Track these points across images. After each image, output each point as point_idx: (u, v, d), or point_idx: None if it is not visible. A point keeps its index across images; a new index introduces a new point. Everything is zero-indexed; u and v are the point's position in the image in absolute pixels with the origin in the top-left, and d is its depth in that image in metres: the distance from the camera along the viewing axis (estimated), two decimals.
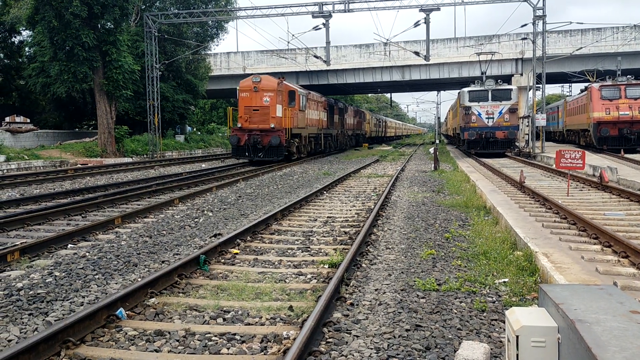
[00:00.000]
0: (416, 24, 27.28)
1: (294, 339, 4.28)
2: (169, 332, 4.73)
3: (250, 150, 24.73)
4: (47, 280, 6.22)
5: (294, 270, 6.78)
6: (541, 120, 27.86)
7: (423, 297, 5.54)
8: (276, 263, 7.20)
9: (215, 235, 8.82)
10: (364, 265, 6.89)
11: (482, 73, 32.38)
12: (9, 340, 4.58)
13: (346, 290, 5.81)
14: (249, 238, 8.54)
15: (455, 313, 5.08)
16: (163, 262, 7.19)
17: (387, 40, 30.70)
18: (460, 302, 5.40)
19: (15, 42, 38.93)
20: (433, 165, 22.41)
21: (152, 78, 30.50)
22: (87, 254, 7.52)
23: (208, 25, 39.67)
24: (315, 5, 27.64)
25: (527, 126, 31.63)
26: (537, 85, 29.82)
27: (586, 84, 32.54)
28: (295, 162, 26.56)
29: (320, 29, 27.87)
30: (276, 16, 28.98)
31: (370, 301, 5.47)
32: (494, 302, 5.39)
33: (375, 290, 5.84)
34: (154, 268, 6.88)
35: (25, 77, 34.88)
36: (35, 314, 5.19)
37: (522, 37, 33.97)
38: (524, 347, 2.92)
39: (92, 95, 30.78)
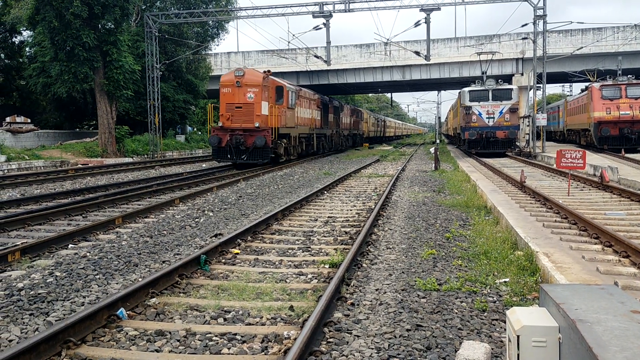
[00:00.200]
0: (417, 24, 27.27)
1: (295, 339, 4.28)
2: (170, 332, 4.73)
3: (233, 151, 22.42)
4: (47, 280, 6.22)
5: (295, 270, 6.78)
6: (542, 120, 27.86)
7: (424, 297, 5.54)
8: (277, 263, 7.20)
9: (215, 235, 8.82)
10: (364, 265, 6.89)
11: (482, 73, 32.37)
12: (10, 341, 4.58)
13: (347, 290, 5.81)
14: (249, 238, 8.54)
15: (456, 313, 5.08)
16: (164, 262, 7.20)
17: (388, 40, 30.69)
18: (461, 302, 5.40)
19: (16, 42, 39.00)
20: (434, 165, 22.40)
21: (152, 78, 30.51)
22: (88, 254, 7.52)
23: (208, 25, 39.68)
24: (315, 5, 27.63)
25: (528, 126, 31.62)
26: (537, 85, 29.81)
27: (587, 84, 32.54)
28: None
29: (320, 28, 27.85)
30: (276, 16, 29.00)
31: (371, 301, 5.46)
32: (494, 302, 5.39)
33: (376, 290, 5.84)
34: (155, 268, 6.88)
35: (26, 77, 34.92)
36: (36, 314, 5.19)
37: (522, 36, 33.96)
38: (525, 347, 2.92)
39: (93, 96, 30.81)
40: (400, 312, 5.09)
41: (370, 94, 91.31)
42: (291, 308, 5.29)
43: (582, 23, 31.23)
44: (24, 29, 35.54)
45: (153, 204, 11.87)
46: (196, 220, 10.34)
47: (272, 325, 4.91)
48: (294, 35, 44.75)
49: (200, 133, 49.14)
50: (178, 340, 4.57)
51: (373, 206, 11.77)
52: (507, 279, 6.05)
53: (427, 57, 29.30)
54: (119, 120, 31.96)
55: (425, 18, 26.77)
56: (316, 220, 10.38)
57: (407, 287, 5.89)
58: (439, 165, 22.32)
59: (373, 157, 31.21)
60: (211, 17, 33.83)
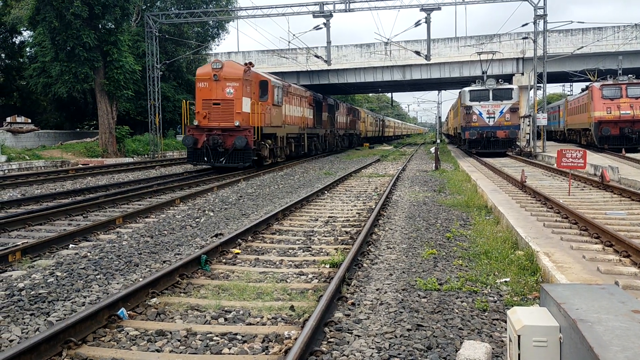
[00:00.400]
0: (417, 24, 27.26)
1: (296, 339, 4.28)
2: (171, 332, 4.73)
3: (210, 154, 19.99)
4: (48, 281, 6.23)
5: (295, 270, 6.78)
6: (542, 119, 27.85)
7: (424, 297, 5.54)
8: (277, 263, 7.20)
9: (216, 235, 8.82)
10: (365, 264, 6.89)
11: (483, 72, 32.35)
12: (11, 341, 4.59)
13: (347, 290, 5.81)
14: (250, 238, 8.54)
15: (457, 313, 5.08)
16: (164, 262, 7.20)
17: (388, 39, 30.69)
18: (462, 301, 5.39)
19: (17, 43, 39.04)
20: (434, 164, 22.39)
21: (153, 78, 30.52)
22: (89, 254, 7.53)
23: (209, 25, 39.72)
24: (316, 4, 27.62)
25: (528, 125, 31.62)
26: (538, 85, 29.80)
27: (587, 84, 32.52)
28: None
29: (321, 28, 27.84)
30: (277, 16, 28.99)
31: (371, 301, 5.46)
32: (495, 302, 5.39)
33: (377, 289, 5.84)
34: (155, 268, 6.88)
35: (27, 77, 34.96)
36: (36, 314, 5.19)
37: (523, 36, 33.91)
38: (526, 347, 2.92)
39: (93, 96, 30.83)
40: (401, 312, 5.09)
41: (370, 94, 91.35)
42: (292, 308, 5.29)
43: (583, 23, 31.25)
44: (25, 29, 35.58)
45: (153, 204, 11.88)
46: (197, 220, 10.34)
47: (272, 325, 4.91)
48: (294, 35, 44.94)
49: None
50: (179, 340, 4.57)
51: (373, 206, 11.77)
52: (507, 279, 6.05)
53: (427, 57, 29.29)
54: (119, 120, 31.96)
55: (426, 18, 26.77)
56: (317, 220, 10.38)
57: (407, 286, 5.89)
58: (440, 164, 22.31)
59: (373, 157, 31.21)
60: (211, 17, 33.85)
